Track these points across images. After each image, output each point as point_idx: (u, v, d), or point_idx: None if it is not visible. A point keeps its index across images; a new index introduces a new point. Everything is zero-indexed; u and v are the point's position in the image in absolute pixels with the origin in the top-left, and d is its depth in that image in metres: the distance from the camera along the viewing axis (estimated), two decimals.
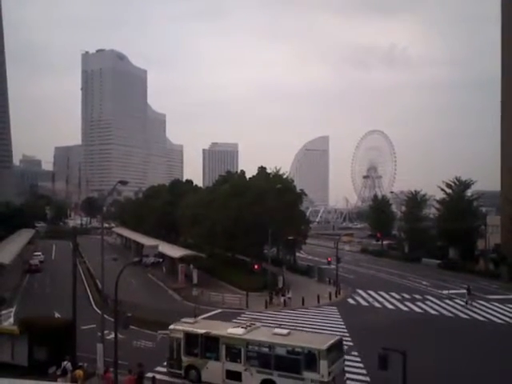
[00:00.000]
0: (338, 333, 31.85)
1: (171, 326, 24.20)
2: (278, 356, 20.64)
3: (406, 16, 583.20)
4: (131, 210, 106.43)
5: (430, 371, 23.46)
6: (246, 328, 22.75)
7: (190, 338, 23.05)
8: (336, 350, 21.00)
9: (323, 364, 19.56)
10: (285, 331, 22.12)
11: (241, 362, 21.43)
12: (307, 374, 19.81)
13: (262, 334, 22.32)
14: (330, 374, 19.62)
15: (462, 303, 40.70)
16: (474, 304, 40.37)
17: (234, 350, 21.71)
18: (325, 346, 19.97)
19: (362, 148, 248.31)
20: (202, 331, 22.92)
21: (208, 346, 22.55)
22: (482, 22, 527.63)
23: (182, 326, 23.90)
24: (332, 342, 20.92)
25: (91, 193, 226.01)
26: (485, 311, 38.45)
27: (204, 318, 34.63)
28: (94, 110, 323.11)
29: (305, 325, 34.19)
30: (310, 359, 19.97)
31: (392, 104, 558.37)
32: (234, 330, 22.60)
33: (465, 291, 41.77)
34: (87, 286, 48.00)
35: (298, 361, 20.14)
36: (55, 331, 24.32)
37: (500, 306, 40.42)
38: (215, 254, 61.49)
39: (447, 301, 42.15)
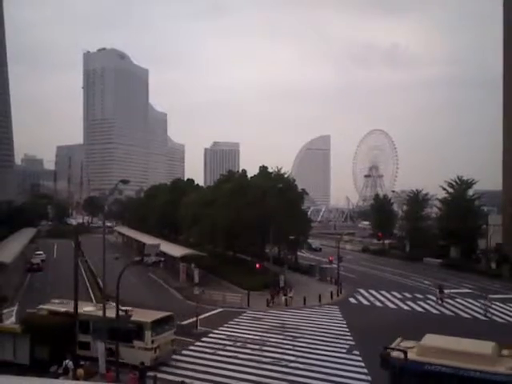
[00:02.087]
0: (339, 332, 32.02)
1: (40, 306, 27.87)
2: (117, 328, 23.42)
3: (408, 15, 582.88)
4: (133, 209, 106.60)
5: None
6: (97, 306, 27.03)
7: (53, 315, 26.43)
8: (163, 323, 25.27)
9: (147, 334, 24.13)
10: (129, 308, 24.70)
11: (89, 334, 25.12)
12: (136, 343, 24.23)
13: (108, 312, 25.10)
14: (153, 342, 24.08)
15: (464, 302, 40.66)
16: (475, 304, 40.31)
17: (85, 325, 25.24)
18: (149, 320, 24.46)
19: (363, 147, 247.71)
20: (63, 309, 26.40)
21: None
22: (484, 21, 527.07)
23: (48, 306, 27.78)
24: (158, 316, 25.42)
25: (93, 192, 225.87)
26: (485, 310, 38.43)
27: (205, 317, 34.74)
28: (95, 109, 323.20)
29: (306, 324, 34.24)
30: (138, 330, 24.33)
31: (394, 103, 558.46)
32: (86, 308, 26.74)
33: (466, 291, 41.78)
34: (89, 285, 48.01)
35: (131, 332, 24.13)
36: (57, 330, 24.36)
37: (501, 305, 40.38)
38: (216, 253, 61.52)
39: (449, 300, 42.10)
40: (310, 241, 76.73)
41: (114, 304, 26.19)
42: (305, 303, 40.84)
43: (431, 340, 18.67)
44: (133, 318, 23.85)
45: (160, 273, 56.45)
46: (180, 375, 23.38)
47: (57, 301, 28.70)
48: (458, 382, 16.35)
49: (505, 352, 17.66)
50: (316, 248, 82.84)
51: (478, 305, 39.83)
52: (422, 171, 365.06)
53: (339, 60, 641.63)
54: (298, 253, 65.61)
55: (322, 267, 55.42)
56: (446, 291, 43.84)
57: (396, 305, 41.32)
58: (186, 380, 22.53)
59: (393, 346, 18.45)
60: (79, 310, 24.88)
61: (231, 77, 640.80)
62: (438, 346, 17.87)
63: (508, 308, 39.31)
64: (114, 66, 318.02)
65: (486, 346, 17.75)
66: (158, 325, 24.85)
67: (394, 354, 17.73)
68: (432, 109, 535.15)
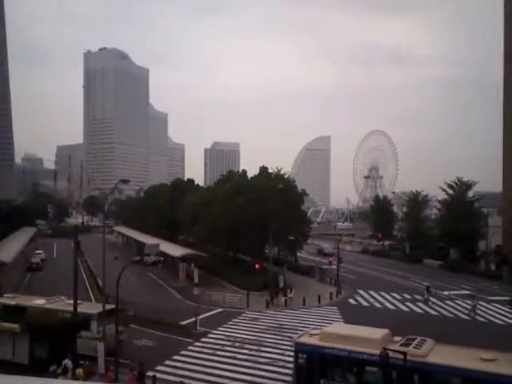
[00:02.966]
0: None
1: None
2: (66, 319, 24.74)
3: (409, 15, 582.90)
4: (132, 209, 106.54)
5: None
6: (48, 300, 28.49)
7: (5, 307, 27.97)
8: (110, 315, 25.30)
9: (93, 324, 26.09)
10: (79, 302, 25.67)
11: None
12: (84, 333, 25.59)
13: (59, 305, 27.51)
14: (99, 332, 25.31)
15: (464, 304, 40.65)
16: (477, 306, 40.31)
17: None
18: (96, 311, 26.20)
19: (363, 148, 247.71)
20: (13, 303, 28.13)
21: (18, 313, 26.88)
22: (486, 22, 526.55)
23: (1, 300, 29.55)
24: (105, 308, 25.93)
25: (93, 191, 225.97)
26: (486, 313, 38.46)
27: (204, 318, 34.73)
28: (95, 108, 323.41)
29: (305, 325, 34.23)
30: (85, 321, 25.94)
31: (394, 104, 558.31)
32: (36, 301, 28.31)
33: (465, 292, 41.79)
34: (88, 285, 48.03)
35: (79, 323, 24.76)
36: (56, 329, 24.37)
37: (501, 307, 40.41)
38: (216, 253, 61.52)
39: (448, 302, 42.11)
40: (322, 244, 74.47)
41: (63, 298, 28.92)
42: (304, 304, 40.85)
43: (333, 328, 22.15)
44: (80, 310, 24.98)
45: (160, 273, 56.47)
46: (179, 375, 23.40)
47: (10, 295, 30.53)
48: (349, 363, 19.20)
49: (396, 339, 19.89)
50: (329, 253, 73.82)
51: (477, 306, 39.83)
52: (422, 172, 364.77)
53: (339, 60, 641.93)
54: (299, 254, 65.66)
55: (321, 268, 55.46)
56: (445, 293, 43.93)
57: (395, 306, 41.34)
58: (185, 380, 22.57)
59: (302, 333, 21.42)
60: (26, 303, 27.52)
61: (232, 77, 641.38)
62: (336, 332, 20.52)
63: (508, 310, 39.30)
64: (114, 66, 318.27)
65: (378, 333, 20.15)
66: (106, 316, 25.28)
67: (301, 339, 20.59)
68: (432, 110, 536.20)
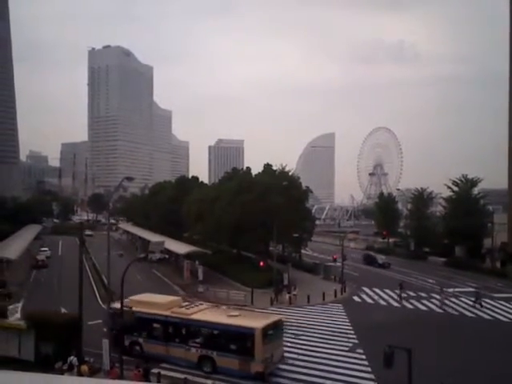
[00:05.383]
0: (343, 330, 32.02)
1: None
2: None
3: (413, 11, 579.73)
4: (137, 207, 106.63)
5: (435, 369, 23.45)
6: None
7: None
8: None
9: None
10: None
11: None
12: None
13: None
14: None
15: (469, 302, 40.50)
16: (483, 303, 40.23)
17: None
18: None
19: (367, 145, 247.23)
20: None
21: None
22: (490, 18, 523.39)
23: None
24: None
25: (97, 189, 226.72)
26: (491, 310, 38.34)
27: None
28: (100, 106, 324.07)
29: (310, 322, 34.26)
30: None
31: (398, 100, 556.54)
32: None
33: (470, 290, 41.67)
34: (93, 282, 48.22)
35: None
36: (62, 326, 24.48)
37: (506, 304, 40.28)
38: (220, 250, 61.56)
39: (453, 299, 41.99)
40: (376, 255, 66.94)
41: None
42: (309, 301, 40.84)
43: (140, 296, 27.95)
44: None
45: (164, 270, 56.58)
46: (183, 372, 23.46)
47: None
48: (143, 321, 25.54)
49: (185, 303, 27.06)
50: (384, 264, 63.49)
51: (483, 304, 39.73)
52: (427, 169, 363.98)
53: (342, 57, 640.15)
54: (303, 251, 65.60)
55: (326, 265, 55.39)
56: (450, 290, 43.79)
57: (404, 304, 41.19)
58: (189, 377, 22.62)
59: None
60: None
61: (236, 74, 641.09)
62: (139, 299, 27.06)
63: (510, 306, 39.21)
64: (118, 64, 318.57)
65: (168, 299, 27.47)
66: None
67: (114, 305, 25.70)
68: (437, 106, 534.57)
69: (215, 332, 24.05)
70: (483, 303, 39.40)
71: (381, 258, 65.49)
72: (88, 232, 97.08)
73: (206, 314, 25.53)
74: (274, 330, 24.22)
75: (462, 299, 41.84)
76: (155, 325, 25.54)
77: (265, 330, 23.20)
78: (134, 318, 25.32)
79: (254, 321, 24.38)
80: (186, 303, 27.05)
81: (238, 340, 23.24)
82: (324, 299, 41.80)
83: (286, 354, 26.39)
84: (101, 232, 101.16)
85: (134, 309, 25.29)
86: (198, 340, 24.34)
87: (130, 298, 26.53)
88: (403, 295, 42.92)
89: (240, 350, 23.00)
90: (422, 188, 79.80)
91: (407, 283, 50.91)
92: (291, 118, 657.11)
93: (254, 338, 22.66)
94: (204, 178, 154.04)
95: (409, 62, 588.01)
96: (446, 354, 26.86)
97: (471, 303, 39.73)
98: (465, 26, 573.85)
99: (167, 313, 25.41)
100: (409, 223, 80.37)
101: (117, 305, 25.25)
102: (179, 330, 24.89)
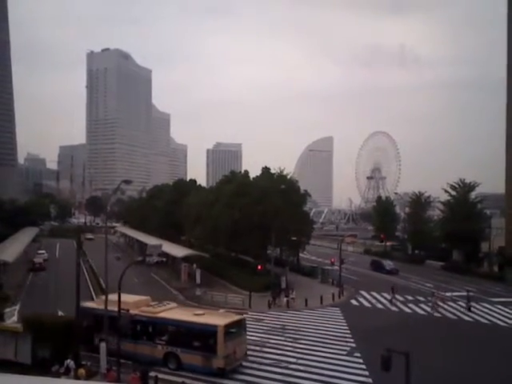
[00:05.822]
0: (340, 334, 31.99)
1: None
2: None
3: (413, 16, 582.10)
4: (135, 210, 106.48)
5: (433, 373, 23.44)
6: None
7: None
8: None
9: None
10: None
11: None
12: None
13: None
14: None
15: (465, 305, 40.54)
16: (477, 306, 40.27)
17: None
18: None
19: (366, 149, 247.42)
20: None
21: None
22: (489, 22, 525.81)
23: None
24: None
25: (95, 192, 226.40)
26: (488, 314, 38.38)
27: None
28: (98, 109, 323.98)
29: (307, 326, 34.21)
30: None
31: (397, 104, 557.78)
32: None
33: (466, 293, 41.67)
34: (90, 285, 48.07)
35: None
36: (59, 329, 24.40)
37: (503, 308, 40.32)
38: (218, 253, 61.48)
39: (450, 303, 42.02)
40: (383, 261, 65.32)
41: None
42: (306, 305, 40.80)
43: (109, 296, 26.41)
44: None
45: (162, 273, 56.48)
46: (181, 376, 23.40)
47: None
48: (110, 319, 24.38)
49: (153, 303, 27.71)
50: (392, 270, 61.87)
51: (479, 307, 39.78)
52: (425, 173, 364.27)
53: (342, 61, 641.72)
54: (301, 254, 65.57)
55: (323, 269, 55.36)
56: (447, 294, 43.82)
57: (397, 307, 41.23)
58: (187, 380, 22.56)
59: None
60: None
61: (234, 77, 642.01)
62: (108, 299, 26.39)
63: (510, 311, 39.22)
64: (117, 66, 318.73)
65: (136, 299, 28.06)
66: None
67: (85, 304, 27.50)
68: (436, 111, 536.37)
69: (180, 330, 24.91)
70: (472, 308, 39.50)
71: (388, 264, 64.08)
72: (89, 236, 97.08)
73: (172, 312, 26.54)
74: (237, 328, 25.17)
75: (460, 303, 41.88)
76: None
77: (227, 327, 24.10)
78: (100, 316, 25.59)
79: (218, 319, 25.27)
80: (155, 302, 28.02)
81: (201, 337, 24.04)
82: (322, 303, 41.78)
83: (284, 358, 26.39)
84: (98, 235, 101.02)
85: (101, 307, 25.72)
86: (163, 338, 25.14)
87: (99, 297, 28.07)
88: (397, 298, 43.02)
89: (203, 347, 23.82)
90: (419, 192, 79.95)
91: (405, 287, 50.98)
92: (290, 122, 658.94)
93: (217, 335, 23.52)
94: (202, 181, 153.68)
95: (409, 67, 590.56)
96: (439, 357, 26.85)
97: (466, 307, 39.82)
98: (465, 29, 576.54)
99: (135, 311, 26.01)
100: (406, 227, 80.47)
101: (88, 304, 26.56)
102: (146, 328, 25.82)
